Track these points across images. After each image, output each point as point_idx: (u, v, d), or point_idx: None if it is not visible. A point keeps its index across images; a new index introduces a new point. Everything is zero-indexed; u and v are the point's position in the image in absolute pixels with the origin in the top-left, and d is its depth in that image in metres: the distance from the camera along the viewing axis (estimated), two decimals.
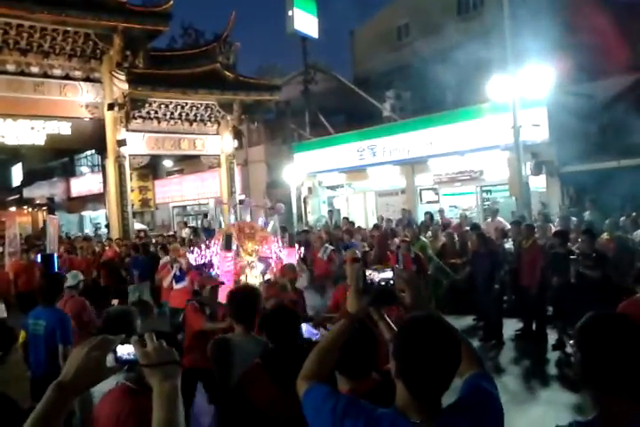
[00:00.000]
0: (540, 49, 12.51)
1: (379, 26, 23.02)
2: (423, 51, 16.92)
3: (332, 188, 18.75)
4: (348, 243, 11.27)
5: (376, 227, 13.17)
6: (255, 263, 6.87)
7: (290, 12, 18.47)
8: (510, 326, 8.39)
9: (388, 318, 2.12)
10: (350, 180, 17.97)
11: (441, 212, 14.36)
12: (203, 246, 7.12)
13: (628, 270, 7.54)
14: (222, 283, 5.32)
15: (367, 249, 11.19)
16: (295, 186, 17.83)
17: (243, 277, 6.53)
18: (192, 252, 7.27)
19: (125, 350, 1.57)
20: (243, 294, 3.58)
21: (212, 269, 6.44)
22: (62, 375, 1.42)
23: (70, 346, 4.37)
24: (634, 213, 9.71)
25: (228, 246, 6.66)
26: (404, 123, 16.08)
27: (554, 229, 9.54)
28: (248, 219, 7.75)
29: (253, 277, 6.62)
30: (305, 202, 18.78)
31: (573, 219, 10.63)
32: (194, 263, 6.90)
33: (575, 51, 14.04)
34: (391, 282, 1.98)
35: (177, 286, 8.03)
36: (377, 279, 1.98)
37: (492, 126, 13.04)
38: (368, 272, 2.00)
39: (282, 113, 19.16)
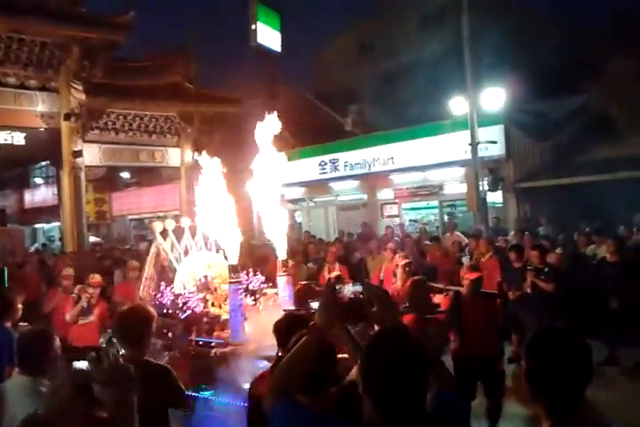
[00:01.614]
0: (497, 67, 12.90)
1: (342, 42, 23.35)
2: (385, 67, 17.22)
3: (294, 201, 18.71)
4: (316, 257, 11.26)
5: (338, 241, 13.17)
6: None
7: (253, 26, 18.55)
8: None
9: (353, 334, 2.09)
10: (312, 193, 17.99)
11: (401, 226, 14.51)
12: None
13: (581, 284, 7.78)
14: None
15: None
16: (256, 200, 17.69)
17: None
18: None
19: (82, 365, 1.58)
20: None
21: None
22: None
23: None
24: (587, 229, 10.00)
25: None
26: (365, 137, 16.26)
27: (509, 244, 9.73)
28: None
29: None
30: None
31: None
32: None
33: (531, 70, 14.52)
34: (360, 296, 2.00)
35: (82, 321, 6.80)
36: (347, 293, 2.00)
37: (451, 143, 13.32)
38: (338, 286, 2.01)
39: (243, 126, 19.07)
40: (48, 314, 7.62)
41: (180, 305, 5.05)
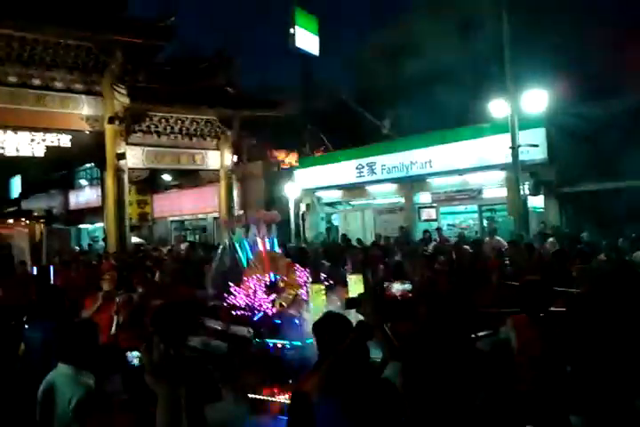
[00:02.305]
0: (540, 69, 12.62)
1: (380, 45, 23.27)
2: (425, 70, 17.08)
3: (331, 204, 18.72)
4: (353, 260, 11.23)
5: (375, 245, 13.11)
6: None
7: (292, 30, 18.68)
8: None
9: (390, 335, 2.09)
10: (349, 197, 17.96)
11: (439, 230, 14.33)
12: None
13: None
14: None
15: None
16: (294, 202, 17.81)
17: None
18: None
19: (135, 355, 1.62)
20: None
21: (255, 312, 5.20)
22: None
23: None
24: (633, 235, 9.67)
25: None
26: (403, 140, 16.14)
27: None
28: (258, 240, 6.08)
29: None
30: (303, 218, 18.74)
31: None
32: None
33: (574, 72, 14.16)
34: (409, 294, 1.99)
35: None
36: (395, 292, 1.99)
37: (491, 146, 13.09)
38: (385, 284, 2.02)
39: (282, 129, 19.23)
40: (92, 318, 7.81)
41: (252, 307, 5.09)
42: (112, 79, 13.53)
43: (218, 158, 15.91)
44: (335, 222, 18.96)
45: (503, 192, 12.78)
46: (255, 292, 5.25)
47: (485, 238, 12.59)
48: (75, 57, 13.10)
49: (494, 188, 13.97)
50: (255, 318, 4.99)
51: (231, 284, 5.42)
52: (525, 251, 8.93)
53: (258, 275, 5.45)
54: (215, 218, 18.70)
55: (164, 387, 1.54)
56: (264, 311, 5.02)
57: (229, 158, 15.94)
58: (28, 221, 27.40)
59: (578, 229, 11.68)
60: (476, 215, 15.38)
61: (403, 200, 16.46)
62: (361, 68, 24.57)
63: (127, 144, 14.11)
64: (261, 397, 4.21)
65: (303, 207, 18.55)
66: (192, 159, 15.69)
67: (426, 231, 13.86)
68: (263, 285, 5.35)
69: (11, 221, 27.21)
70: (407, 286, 1.91)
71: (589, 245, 9.59)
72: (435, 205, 15.82)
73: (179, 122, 14.87)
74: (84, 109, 13.68)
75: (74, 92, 13.46)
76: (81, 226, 27.80)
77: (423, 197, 16.03)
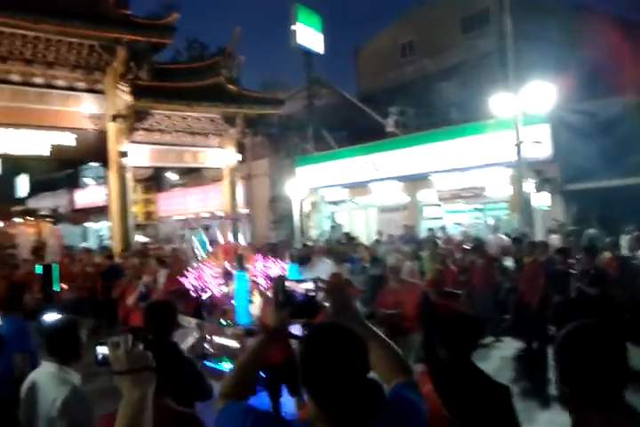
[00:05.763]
0: (545, 66, 12.51)
1: (383, 43, 23.21)
2: (427, 68, 17.00)
3: (335, 203, 18.69)
4: (352, 256, 11.32)
5: (377, 242, 13.09)
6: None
7: (293, 27, 18.64)
8: (510, 346, 8.22)
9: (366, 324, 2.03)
10: (353, 195, 17.92)
11: (443, 228, 14.26)
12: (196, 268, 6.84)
13: (632, 290, 7.42)
14: None
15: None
16: (298, 200, 17.78)
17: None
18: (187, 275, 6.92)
19: (104, 351, 1.56)
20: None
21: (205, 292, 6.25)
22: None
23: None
24: (637, 232, 9.58)
25: (242, 266, 6.50)
26: (406, 138, 16.07)
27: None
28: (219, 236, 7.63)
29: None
30: (307, 217, 18.71)
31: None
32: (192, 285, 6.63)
33: (579, 69, 14.04)
34: (313, 293, 1.92)
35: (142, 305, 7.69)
36: (299, 290, 1.92)
37: (495, 143, 13.01)
38: (288, 283, 1.94)
39: (285, 127, 19.22)
40: (117, 299, 8.52)
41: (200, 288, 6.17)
42: (115, 77, 13.50)
43: (221, 157, 15.87)
44: (339, 221, 18.92)
45: (508, 190, 12.71)
46: (203, 276, 6.28)
47: (488, 236, 12.53)
48: (77, 55, 13.08)
49: (499, 185, 13.89)
50: (204, 298, 6.04)
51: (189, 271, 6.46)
52: (529, 248, 8.86)
53: (211, 262, 6.52)
54: (220, 217, 18.70)
55: (127, 384, 1.48)
56: (212, 292, 6.04)
57: (233, 157, 15.89)
58: (34, 220, 27.65)
59: (583, 226, 11.59)
60: (480, 213, 15.29)
61: (406, 198, 16.40)
62: (364, 66, 24.52)
63: (131, 142, 14.08)
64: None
65: (307, 206, 18.52)
66: (195, 157, 15.65)
67: (430, 230, 13.80)
68: (215, 271, 6.35)
69: (17, 219, 27.43)
70: (310, 285, 1.85)
71: (592, 241, 9.51)
72: (438, 203, 15.74)
73: (182, 120, 14.83)
74: (86, 108, 13.67)
75: (76, 90, 13.45)
76: (87, 224, 27.91)
77: (427, 195, 15.95)
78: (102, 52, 13.24)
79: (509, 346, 8.16)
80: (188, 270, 7.01)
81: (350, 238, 13.93)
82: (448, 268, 8.37)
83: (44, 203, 28.89)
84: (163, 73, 14.10)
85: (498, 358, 7.89)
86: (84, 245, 22.05)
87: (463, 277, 9.66)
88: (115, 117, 13.66)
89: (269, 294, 4.47)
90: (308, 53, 19.22)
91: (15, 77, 12.55)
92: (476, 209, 15.44)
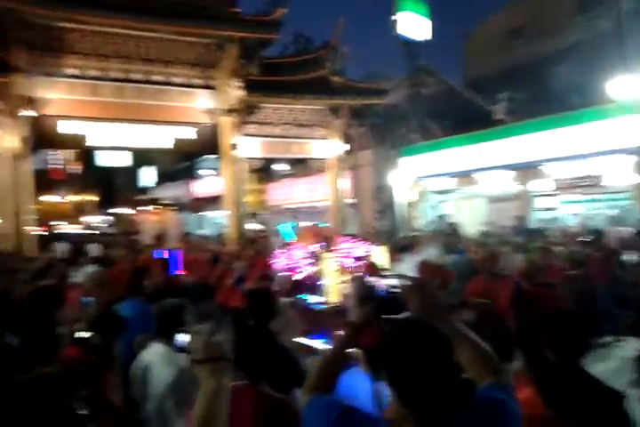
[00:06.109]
0: None
1: (492, 27, 22.25)
2: (540, 51, 16.07)
3: (441, 192, 18.35)
4: (459, 247, 11.04)
5: (485, 234, 12.70)
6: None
7: (397, 15, 18.39)
8: (633, 345, 7.69)
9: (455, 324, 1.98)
10: (460, 185, 17.48)
11: (558, 220, 13.57)
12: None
13: None
14: None
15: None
16: (403, 190, 17.68)
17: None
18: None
19: (183, 339, 1.62)
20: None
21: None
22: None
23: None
24: None
25: (329, 248, 6.89)
26: (517, 125, 15.35)
27: None
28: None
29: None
30: (413, 207, 18.55)
31: None
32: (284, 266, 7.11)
33: None
34: (396, 289, 1.86)
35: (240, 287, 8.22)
36: (383, 286, 1.89)
37: (616, 129, 12.09)
38: (372, 279, 1.91)
39: (390, 117, 19.11)
40: (214, 285, 8.84)
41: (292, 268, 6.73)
42: (227, 73, 14.19)
43: (327, 147, 16.16)
44: (445, 211, 18.57)
45: (630, 178, 11.80)
46: (292, 256, 6.85)
47: (607, 228, 11.74)
48: (193, 53, 13.91)
49: (620, 174, 12.91)
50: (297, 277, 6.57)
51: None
52: None
53: (300, 244, 7.18)
54: (326, 206, 19.09)
55: (204, 373, 1.55)
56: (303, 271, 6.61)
57: (338, 147, 16.13)
58: (158, 209, 29.88)
59: None
60: (598, 204, 14.32)
61: (517, 188, 15.73)
62: (471, 52, 23.66)
63: (243, 135, 14.75)
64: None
65: (412, 196, 18.36)
66: (302, 149, 16.07)
67: (542, 221, 13.18)
68: (304, 252, 6.92)
69: (143, 208, 29.77)
70: (394, 281, 1.77)
71: None
72: (553, 192, 14.94)
73: (289, 112, 15.30)
74: (201, 103, 14.48)
75: (192, 86, 14.28)
76: (205, 213, 29.62)
77: (540, 185, 15.19)
78: (215, 50, 13.96)
79: (631, 345, 7.63)
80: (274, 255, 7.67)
81: (456, 229, 13.64)
82: (551, 260, 7.99)
83: (167, 193, 31.05)
84: (270, 67, 14.60)
85: (618, 358, 7.42)
86: (201, 232, 23.47)
87: (577, 271, 9.22)
88: (227, 112, 14.37)
89: (353, 282, 4.60)
90: (410, 42, 18.92)
91: (137, 76, 13.59)
92: (594, 200, 14.46)
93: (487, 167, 15.56)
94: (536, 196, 15.36)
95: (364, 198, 19.39)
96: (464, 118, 17.63)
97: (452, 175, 17.01)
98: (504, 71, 19.04)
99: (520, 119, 15.53)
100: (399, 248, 10.58)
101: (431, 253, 10.07)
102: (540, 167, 14.49)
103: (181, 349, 1.62)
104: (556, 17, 18.33)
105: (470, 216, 17.71)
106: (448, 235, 12.90)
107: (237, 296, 8.16)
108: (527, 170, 14.93)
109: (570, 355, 2.47)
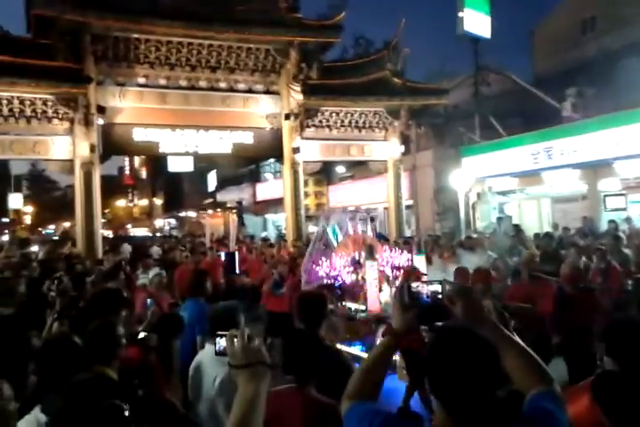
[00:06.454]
0: None
1: (561, 21, 21.42)
2: (612, 45, 15.33)
3: (503, 193, 17.86)
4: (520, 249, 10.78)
5: (547, 235, 12.30)
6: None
7: (460, 13, 18.07)
8: None
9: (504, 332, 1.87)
10: (523, 185, 16.95)
11: (628, 220, 12.92)
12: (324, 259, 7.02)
13: None
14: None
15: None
16: (463, 191, 17.35)
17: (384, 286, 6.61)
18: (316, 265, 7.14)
19: (224, 342, 1.60)
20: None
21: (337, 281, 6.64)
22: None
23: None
24: None
25: (371, 256, 6.73)
26: (586, 122, 14.73)
27: None
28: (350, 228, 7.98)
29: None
30: (474, 208, 18.17)
31: None
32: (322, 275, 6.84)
33: None
34: (439, 296, 1.85)
35: (276, 293, 8.28)
36: (425, 292, 1.87)
37: None
38: (415, 285, 1.89)
39: (450, 117, 18.80)
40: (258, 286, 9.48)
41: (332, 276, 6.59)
42: (287, 78, 14.42)
43: (386, 149, 16.10)
44: (508, 212, 18.06)
45: None
46: (334, 264, 6.72)
47: None
48: (255, 59, 14.23)
49: None
50: (336, 285, 6.47)
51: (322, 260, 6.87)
52: None
53: (343, 252, 6.98)
54: (385, 208, 18.99)
55: (242, 378, 1.50)
56: (343, 280, 6.49)
57: (397, 149, 16.03)
58: (221, 212, 30.69)
59: None
60: None
61: (585, 188, 15.10)
62: (538, 48, 22.87)
63: (302, 139, 14.93)
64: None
65: (473, 196, 17.98)
66: (361, 151, 16.07)
67: (611, 222, 12.58)
68: (347, 260, 6.76)
69: (207, 211, 30.61)
70: (437, 287, 1.73)
71: None
72: (623, 192, 14.24)
73: (348, 115, 15.33)
74: (263, 108, 14.78)
75: (254, 92, 14.62)
76: (267, 216, 30.17)
77: (609, 184, 14.51)
78: (277, 55, 14.24)
79: None
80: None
81: (519, 231, 13.25)
82: (610, 264, 7.66)
83: (231, 196, 31.86)
84: (330, 71, 14.71)
85: None
86: (264, 234, 23.91)
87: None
88: (288, 116, 14.59)
89: (395, 292, 4.48)
90: (475, 40, 18.54)
91: (203, 83, 14.05)
92: None
93: (555, 166, 15.01)
94: (606, 196, 14.68)
95: (423, 200, 19.17)
96: (531, 116, 17.10)
97: (515, 175, 16.52)
98: (574, 66, 18.30)
99: (589, 115, 14.91)
100: (459, 249, 10.46)
101: (489, 255, 9.88)
102: (611, 165, 13.84)
103: (221, 353, 1.63)
104: (629, 7, 17.46)
105: (533, 217, 17.17)
106: (511, 237, 12.58)
107: (273, 301, 8.28)
108: (596, 168, 14.31)
109: (635, 364, 2.36)
